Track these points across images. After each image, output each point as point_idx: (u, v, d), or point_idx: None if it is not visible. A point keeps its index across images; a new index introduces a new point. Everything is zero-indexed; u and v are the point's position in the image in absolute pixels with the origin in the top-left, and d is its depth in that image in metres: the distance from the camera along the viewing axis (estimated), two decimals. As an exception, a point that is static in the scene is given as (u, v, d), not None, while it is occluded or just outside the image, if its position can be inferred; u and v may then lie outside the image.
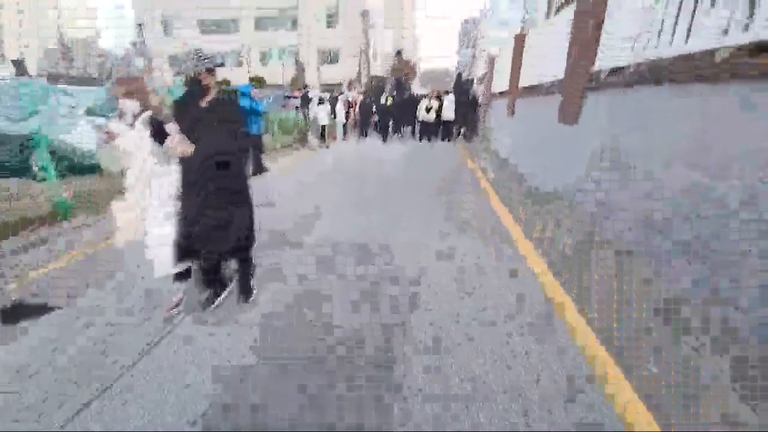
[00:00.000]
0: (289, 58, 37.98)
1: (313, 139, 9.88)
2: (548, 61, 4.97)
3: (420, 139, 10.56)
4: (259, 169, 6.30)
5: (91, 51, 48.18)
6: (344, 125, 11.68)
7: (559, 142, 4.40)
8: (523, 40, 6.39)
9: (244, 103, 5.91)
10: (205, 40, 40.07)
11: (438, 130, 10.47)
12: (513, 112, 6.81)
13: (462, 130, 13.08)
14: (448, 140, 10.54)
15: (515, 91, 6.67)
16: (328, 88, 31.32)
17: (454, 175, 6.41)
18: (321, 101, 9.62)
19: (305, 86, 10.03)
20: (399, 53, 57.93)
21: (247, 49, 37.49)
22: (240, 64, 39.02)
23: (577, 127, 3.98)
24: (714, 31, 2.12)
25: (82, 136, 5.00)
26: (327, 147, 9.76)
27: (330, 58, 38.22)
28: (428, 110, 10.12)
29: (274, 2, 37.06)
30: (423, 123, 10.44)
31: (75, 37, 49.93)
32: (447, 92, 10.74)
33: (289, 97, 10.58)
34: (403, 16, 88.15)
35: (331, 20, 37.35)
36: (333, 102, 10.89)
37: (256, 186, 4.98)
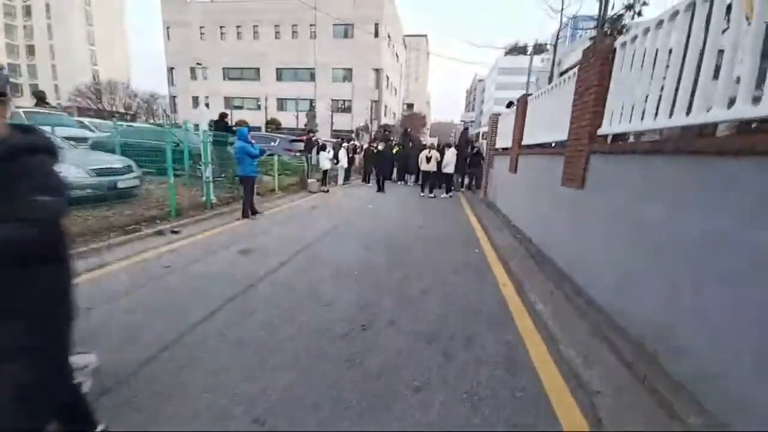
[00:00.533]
0: (304, 106, 40.14)
1: (312, 182, 9.78)
2: (551, 123, 4.85)
3: (422, 190, 10.35)
4: (251, 211, 6.04)
5: (121, 90, 51.46)
6: (346, 171, 11.67)
7: (556, 202, 4.10)
8: (526, 103, 6.41)
9: (239, 145, 5.81)
10: (227, 85, 43.01)
11: (437, 181, 10.33)
12: (515, 170, 6.64)
13: (466, 181, 13.05)
14: (447, 192, 10.31)
15: (517, 149, 6.55)
16: (339, 134, 32.58)
17: (453, 231, 6.06)
18: (323, 147, 9.67)
19: (309, 131, 10.07)
20: (410, 106, 61.26)
21: (265, 97, 39.82)
22: (258, 108, 41.38)
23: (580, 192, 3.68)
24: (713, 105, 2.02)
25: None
26: (326, 191, 9.61)
27: (343, 107, 40.37)
28: (428, 160, 10.06)
29: (293, 58, 40.05)
30: (424, 173, 10.32)
31: (108, 77, 53.71)
32: (448, 145, 10.76)
33: (294, 141, 10.71)
34: (418, 75, 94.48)
35: (345, 75, 39.96)
36: (337, 148, 10.99)
37: (241, 231, 4.34)
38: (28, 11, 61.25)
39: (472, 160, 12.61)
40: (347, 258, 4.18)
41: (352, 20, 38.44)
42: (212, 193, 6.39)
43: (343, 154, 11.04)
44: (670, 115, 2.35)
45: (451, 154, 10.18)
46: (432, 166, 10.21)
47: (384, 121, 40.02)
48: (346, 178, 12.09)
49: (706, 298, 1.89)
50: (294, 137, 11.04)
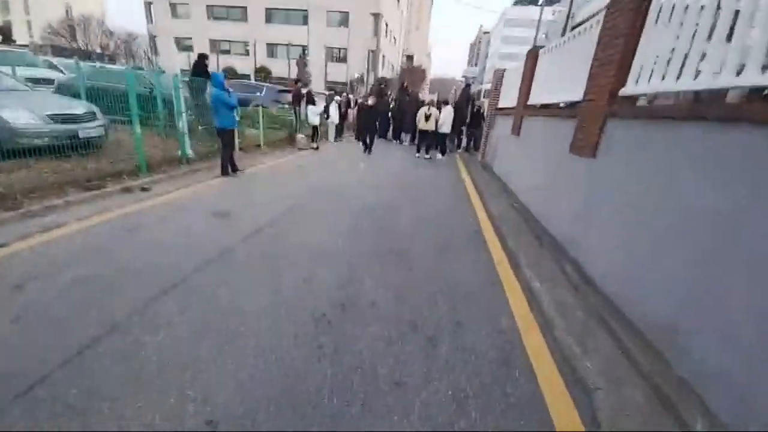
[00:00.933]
0: (297, 53, 37.40)
1: (301, 138, 9.16)
2: (564, 80, 4.32)
3: (417, 150, 9.80)
4: (231, 168, 5.57)
5: (97, 29, 47.19)
6: (337, 127, 10.97)
7: (567, 174, 3.73)
8: (536, 57, 5.76)
9: (214, 93, 5.18)
10: (213, 26, 39.57)
11: (435, 141, 9.75)
12: (518, 132, 6.15)
13: (464, 142, 12.47)
14: (442, 154, 9.80)
15: (523, 110, 6.01)
16: (333, 86, 30.69)
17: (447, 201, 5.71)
18: (313, 101, 8.91)
19: (297, 81, 9.22)
20: (410, 58, 57.76)
21: (253, 42, 36.87)
22: (247, 53, 38.50)
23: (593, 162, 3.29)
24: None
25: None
26: (316, 148, 9.04)
27: (338, 56, 37.71)
28: (427, 118, 9.39)
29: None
30: (421, 132, 9.69)
31: (81, 13, 48.93)
32: (445, 102, 10.03)
33: (282, 91, 9.87)
34: (419, 24, 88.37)
35: (341, 20, 36.82)
36: (328, 102, 10.20)
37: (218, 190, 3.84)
38: None
39: (473, 120, 11.93)
40: (330, 227, 3.85)
41: (350, -44, 34.60)
42: (188, 146, 5.85)
43: (334, 109, 10.28)
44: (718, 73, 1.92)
45: (447, 113, 9.51)
46: (431, 125, 9.55)
47: (381, 73, 37.72)
48: (338, 134, 11.41)
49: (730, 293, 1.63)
50: (282, 87, 10.15)
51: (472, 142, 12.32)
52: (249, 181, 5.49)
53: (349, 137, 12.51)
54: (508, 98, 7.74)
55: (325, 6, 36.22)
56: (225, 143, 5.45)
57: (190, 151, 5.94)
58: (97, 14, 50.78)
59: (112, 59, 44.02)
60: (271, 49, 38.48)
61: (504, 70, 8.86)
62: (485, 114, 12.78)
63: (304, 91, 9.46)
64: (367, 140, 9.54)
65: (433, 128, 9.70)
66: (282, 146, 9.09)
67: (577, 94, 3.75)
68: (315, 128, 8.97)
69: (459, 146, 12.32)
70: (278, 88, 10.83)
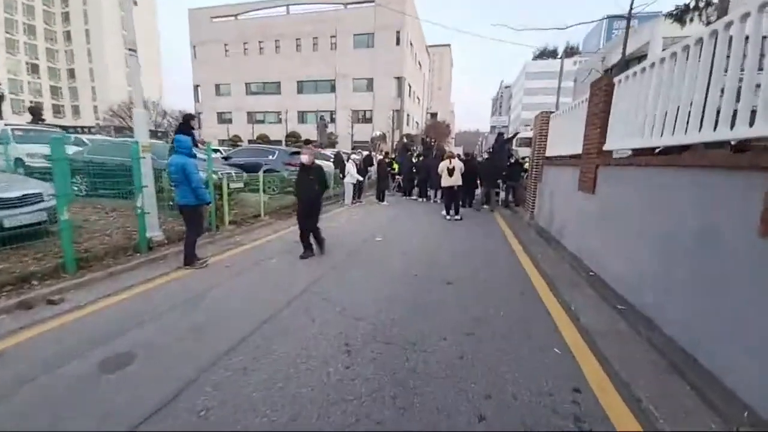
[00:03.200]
0: (326, 118, 39.16)
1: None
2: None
3: (446, 211, 8.10)
4: (191, 258, 4.12)
5: (150, 108, 53.31)
6: (356, 187, 9.68)
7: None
8: (612, 86, 4.18)
9: (175, 161, 3.94)
10: (250, 100, 43.04)
11: (463, 198, 8.06)
12: (593, 188, 4.35)
13: (501, 196, 10.70)
14: (456, 213, 8.01)
15: (600, 157, 4.26)
16: (358, 145, 30.93)
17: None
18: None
19: (306, 141, 8.17)
20: (434, 115, 59.33)
21: (285, 110, 39.27)
22: (280, 121, 40.95)
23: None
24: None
25: None
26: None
27: (363, 118, 39.00)
28: (450, 173, 7.83)
29: (314, 70, 39.36)
30: (445, 190, 8.05)
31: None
32: (461, 156, 8.46)
33: (294, 153, 8.91)
34: (441, 84, 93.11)
35: (366, 85, 38.67)
36: (336, 160, 9.10)
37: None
38: (68, 36, 65.67)
39: (511, 170, 10.28)
40: (311, 369, 2.11)
41: (373, 29, 37.32)
42: (151, 228, 4.56)
43: (351, 168, 9.09)
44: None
45: (459, 165, 7.94)
46: (456, 180, 7.97)
47: (406, 130, 38.16)
48: (357, 195, 10.10)
49: None
50: (295, 149, 9.24)
51: (510, 196, 10.53)
52: (218, 275, 3.97)
53: (371, 198, 11.18)
54: (562, 145, 6.08)
55: (350, 74, 38.44)
56: (189, 224, 4.09)
57: (156, 233, 4.64)
58: (155, 97, 57.96)
59: (165, 135, 48.79)
60: (302, 115, 40.73)
61: (550, 113, 7.32)
62: (525, 164, 11.13)
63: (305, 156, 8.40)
64: (380, 195, 8.06)
65: (459, 183, 8.10)
66: (289, 214, 7.80)
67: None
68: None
69: (498, 201, 10.55)
70: (290, 150, 9.93)
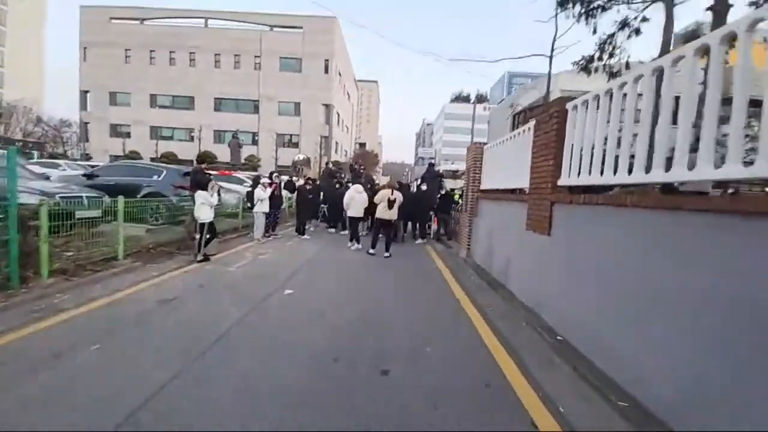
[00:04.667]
0: (246, 138, 36.20)
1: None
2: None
3: (373, 245, 7.04)
4: None
5: (21, 114, 43.52)
6: (269, 216, 8.05)
7: None
8: (565, 115, 3.65)
9: None
10: (155, 113, 37.87)
11: (395, 232, 7.26)
12: (548, 230, 3.67)
13: (432, 228, 10.11)
14: (387, 250, 7.07)
15: (555, 193, 3.62)
16: (282, 170, 28.78)
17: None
18: (202, 185, 5.65)
19: (201, 160, 6.39)
20: (362, 145, 60.16)
21: (199, 128, 35.28)
22: (191, 139, 36.52)
23: None
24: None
25: None
26: (200, 260, 5.62)
27: (289, 142, 37.11)
28: (390, 204, 6.93)
29: (235, 89, 36.64)
30: (380, 222, 7.08)
31: (11, 99, 45.64)
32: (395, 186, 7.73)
33: (188, 174, 6.97)
34: (369, 117, 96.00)
35: (293, 109, 37.26)
36: (254, 185, 7.48)
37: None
38: None
39: (442, 203, 9.80)
40: None
41: (301, 55, 36.59)
42: None
43: (260, 193, 7.47)
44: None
45: (400, 198, 7.22)
46: (394, 214, 7.08)
47: (335, 158, 37.29)
48: (271, 227, 8.44)
49: None
50: (188, 170, 7.31)
51: (442, 229, 10.01)
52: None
53: (290, 229, 9.56)
54: (501, 178, 5.56)
55: (276, 96, 36.64)
56: None
57: None
58: (35, 102, 47.40)
59: (40, 146, 39.57)
60: (218, 135, 36.94)
61: (483, 144, 6.94)
62: (455, 195, 10.85)
63: (206, 173, 6.60)
64: (300, 227, 6.76)
65: (396, 217, 7.26)
66: (169, 253, 5.82)
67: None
68: (200, 226, 5.58)
69: (430, 234, 9.91)
70: (183, 170, 7.90)
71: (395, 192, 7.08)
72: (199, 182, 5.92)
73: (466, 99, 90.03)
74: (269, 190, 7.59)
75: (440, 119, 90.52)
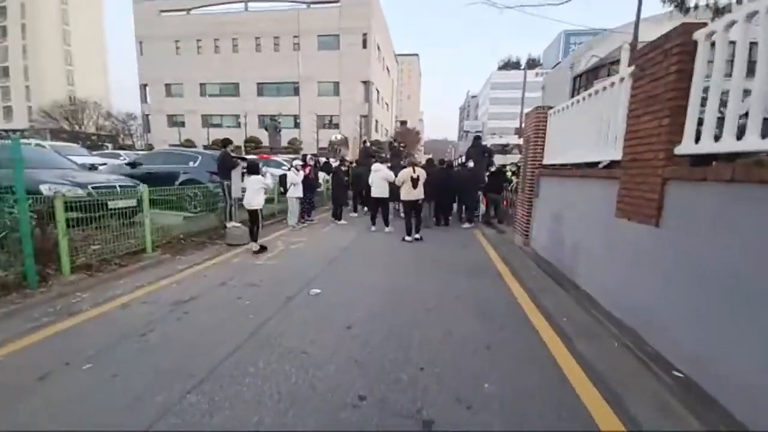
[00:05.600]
0: (288, 122, 36.62)
1: (234, 228, 5.67)
2: None
3: (407, 232, 6.43)
4: None
5: (92, 110, 47.97)
6: (303, 203, 7.60)
7: None
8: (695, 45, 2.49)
9: None
10: (205, 102, 39.58)
11: (425, 212, 6.59)
12: (657, 219, 2.62)
13: (481, 210, 9.06)
14: (417, 232, 6.52)
15: (670, 164, 2.54)
16: (324, 152, 28.66)
17: None
18: (253, 169, 5.47)
19: (225, 143, 5.96)
20: (403, 123, 58.43)
21: (244, 114, 36.23)
22: (239, 125, 37.77)
23: None
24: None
25: None
26: (256, 250, 5.38)
27: (329, 123, 36.85)
28: (415, 183, 6.19)
29: (276, 72, 36.78)
30: (407, 205, 6.45)
31: (79, 97, 50.48)
32: (416, 163, 6.94)
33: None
34: (410, 93, 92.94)
35: (332, 88, 36.68)
36: (275, 171, 7.04)
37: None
38: (3, 32, 58.42)
39: (492, 181, 8.65)
40: None
41: (338, 31, 35.51)
42: None
43: (293, 177, 6.99)
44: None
45: (424, 175, 6.43)
46: (419, 192, 6.32)
47: (375, 137, 36.44)
48: (306, 213, 8.01)
49: None
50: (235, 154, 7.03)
51: (492, 211, 8.90)
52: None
53: (326, 214, 9.09)
54: (573, 149, 4.42)
55: (315, 77, 36.26)
56: None
57: None
58: (101, 98, 52.17)
59: (113, 139, 43.76)
60: (263, 119, 37.76)
61: (548, 107, 5.69)
62: (507, 173, 9.60)
63: (234, 157, 6.19)
64: (337, 211, 6.33)
65: (422, 196, 6.47)
66: (205, 243, 5.58)
67: None
68: (253, 214, 5.41)
69: (478, 217, 8.88)
70: (217, 155, 7.67)
71: (417, 169, 6.33)
72: (228, 167, 5.52)
73: (516, 65, 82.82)
74: (302, 174, 7.06)
75: (486, 90, 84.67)
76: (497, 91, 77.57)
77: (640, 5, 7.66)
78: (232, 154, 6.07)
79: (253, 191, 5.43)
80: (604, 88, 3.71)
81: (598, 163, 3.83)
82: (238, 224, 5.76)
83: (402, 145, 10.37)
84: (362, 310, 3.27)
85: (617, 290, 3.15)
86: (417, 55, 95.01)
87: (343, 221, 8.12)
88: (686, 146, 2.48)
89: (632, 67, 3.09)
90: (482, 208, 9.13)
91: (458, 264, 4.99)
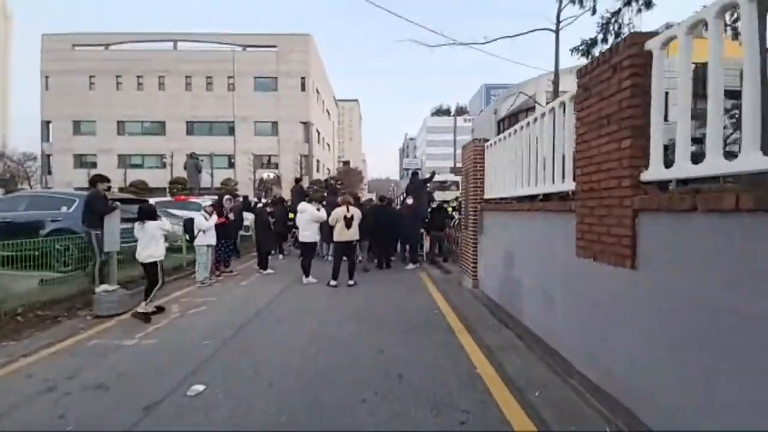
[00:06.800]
0: (221, 162, 34.46)
1: (103, 294, 4.20)
2: None
3: (333, 275, 5.62)
4: None
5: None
6: (220, 250, 6.30)
7: None
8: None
9: None
10: (123, 141, 35.80)
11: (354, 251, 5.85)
12: (632, 261, 2.10)
13: (424, 248, 8.51)
14: (350, 278, 5.85)
15: (650, 196, 2.08)
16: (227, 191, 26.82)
17: None
18: (148, 213, 4.17)
19: (95, 181, 4.60)
20: (346, 163, 58.98)
21: (170, 153, 33.27)
22: (164, 165, 34.35)
23: None
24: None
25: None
26: (144, 313, 4.02)
27: (267, 163, 35.39)
28: (348, 223, 5.47)
29: (208, 111, 35.00)
30: (338, 246, 5.70)
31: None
32: (352, 202, 6.34)
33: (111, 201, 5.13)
34: (351, 135, 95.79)
35: (270, 128, 35.79)
36: (189, 221, 5.76)
37: None
38: None
39: (434, 218, 8.24)
40: None
41: (276, 74, 35.44)
42: None
43: (200, 221, 5.73)
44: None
45: (358, 214, 5.79)
46: (354, 233, 5.59)
47: (316, 176, 35.69)
48: (224, 263, 6.67)
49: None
50: (125, 196, 5.56)
51: (437, 249, 8.41)
52: None
53: (254, 261, 7.75)
54: (516, 182, 4.05)
55: (251, 117, 35.13)
56: None
57: None
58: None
59: (4, 182, 36.75)
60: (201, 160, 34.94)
61: (484, 140, 5.44)
62: (449, 208, 9.34)
63: (106, 195, 4.85)
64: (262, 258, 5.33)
65: (357, 238, 5.77)
66: (55, 318, 4.01)
67: None
68: (150, 269, 4.10)
69: (422, 256, 8.28)
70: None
71: (351, 208, 5.63)
72: (98, 212, 4.18)
73: (446, 112, 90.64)
74: (214, 218, 5.85)
75: (422, 133, 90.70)
76: (432, 135, 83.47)
77: (557, 42, 8.38)
78: (107, 195, 4.70)
79: (148, 240, 4.19)
80: (543, 115, 3.40)
81: (549, 195, 3.42)
82: (113, 287, 4.31)
83: (339, 182, 9.71)
84: (261, 419, 2.19)
85: (591, 347, 2.55)
86: (357, 100, 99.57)
87: (269, 270, 6.90)
88: (655, 171, 2.05)
89: (564, 95, 2.77)
90: (426, 246, 8.61)
91: (402, 319, 4.14)
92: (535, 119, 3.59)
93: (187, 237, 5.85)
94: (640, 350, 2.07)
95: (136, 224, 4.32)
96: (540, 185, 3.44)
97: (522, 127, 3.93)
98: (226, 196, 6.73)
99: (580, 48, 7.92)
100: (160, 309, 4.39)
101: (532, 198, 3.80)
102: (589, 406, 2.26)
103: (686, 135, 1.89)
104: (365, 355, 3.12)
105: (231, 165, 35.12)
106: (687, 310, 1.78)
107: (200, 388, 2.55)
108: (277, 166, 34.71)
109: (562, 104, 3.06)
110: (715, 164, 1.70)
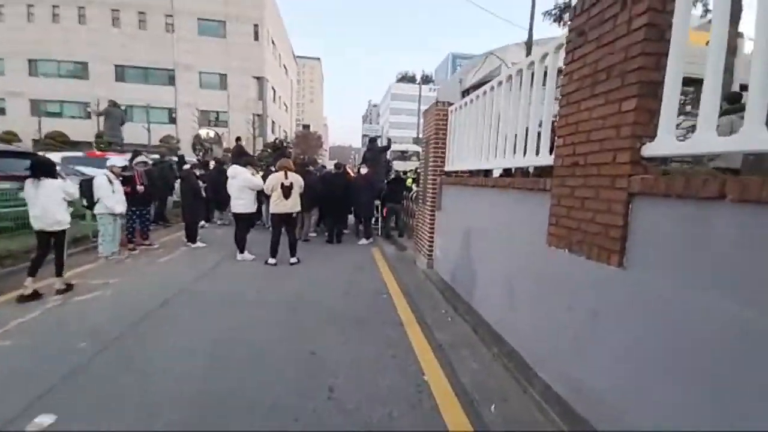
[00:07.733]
0: (160, 116, 30.65)
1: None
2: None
3: (272, 252, 4.94)
4: None
5: None
6: (129, 220, 5.24)
7: None
8: None
9: None
10: (37, 83, 30.33)
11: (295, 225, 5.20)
12: (622, 252, 1.66)
13: (379, 223, 8.00)
14: (293, 255, 5.20)
15: (653, 176, 1.59)
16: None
17: None
18: (44, 169, 3.12)
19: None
20: (306, 126, 55.71)
21: (96, 101, 28.77)
22: (88, 116, 29.74)
23: None
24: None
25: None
26: (65, 288, 3.08)
27: (216, 120, 32.08)
28: (287, 192, 4.75)
29: (142, 55, 30.35)
30: (275, 218, 4.97)
31: None
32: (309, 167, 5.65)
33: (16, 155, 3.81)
34: (313, 97, 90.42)
35: (218, 81, 32.13)
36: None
37: None
38: None
39: (393, 189, 7.66)
40: None
41: (224, 17, 31.28)
42: None
43: (104, 186, 4.62)
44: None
45: (299, 182, 5.04)
46: (293, 205, 4.88)
47: (271, 138, 33.19)
48: (142, 234, 5.62)
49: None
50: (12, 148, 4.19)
51: (392, 222, 7.92)
52: None
53: (176, 232, 6.69)
54: (479, 154, 3.52)
55: (196, 66, 31.14)
56: None
57: None
58: None
59: None
60: (126, 110, 30.60)
61: (449, 104, 4.80)
62: (408, 179, 8.78)
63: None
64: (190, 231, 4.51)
65: (298, 209, 5.07)
66: None
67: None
68: (46, 240, 3.16)
69: (368, 233, 7.75)
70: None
71: (290, 174, 4.84)
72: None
73: (411, 79, 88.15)
74: (118, 185, 4.72)
75: (387, 100, 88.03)
76: (397, 102, 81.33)
77: (533, 7, 7.68)
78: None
79: (49, 203, 3.25)
80: (520, 71, 2.81)
81: (515, 170, 2.92)
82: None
83: (288, 145, 8.63)
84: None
85: (561, 357, 2.17)
86: (319, 59, 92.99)
87: (199, 243, 5.96)
88: (663, 143, 1.57)
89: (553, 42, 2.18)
90: (379, 220, 8.07)
91: (345, 307, 3.59)
92: (509, 77, 3.00)
93: (85, 202, 4.70)
94: (624, 372, 1.68)
95: (28, 182, 3.37)
96: (509, 158, 2.92)
97: (492, 88, 3.34)
98: (137, 159, 5.49)
99: (552, 12, 7.37)
100: (69, 287, 3.63)
101: (506, 173, 3.30)
102: (556, 427, 1.88)
103: (716, 95, 1.39)
104: (293, 360, 2.53)
105: (172, 120, 31.42)
106: (691, 329, 1.37)
107: (47, 420, 1.81)
108: (226, 124, 31.62)
109: (545, 56, 2.48)
110: (760, 137, 1.22)
